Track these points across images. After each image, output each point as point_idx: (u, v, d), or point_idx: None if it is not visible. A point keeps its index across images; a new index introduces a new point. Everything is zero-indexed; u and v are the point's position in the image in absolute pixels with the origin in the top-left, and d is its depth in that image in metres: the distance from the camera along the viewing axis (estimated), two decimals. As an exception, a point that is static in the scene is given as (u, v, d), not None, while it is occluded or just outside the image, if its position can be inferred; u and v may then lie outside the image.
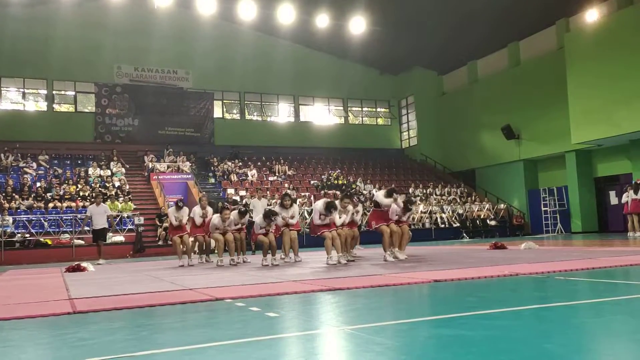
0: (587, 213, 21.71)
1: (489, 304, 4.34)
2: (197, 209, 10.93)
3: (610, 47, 18.57)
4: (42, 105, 24.99)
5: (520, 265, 6.97)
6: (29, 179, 20.21)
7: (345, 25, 24.13)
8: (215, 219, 10.13)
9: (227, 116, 28.29)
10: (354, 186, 23.49)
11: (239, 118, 28.39)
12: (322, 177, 24.63)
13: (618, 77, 18.14)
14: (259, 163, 25.62)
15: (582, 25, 21.01)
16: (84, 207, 18.78)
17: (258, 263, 9.61)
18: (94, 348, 3.10)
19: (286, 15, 23.10)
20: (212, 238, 10.37)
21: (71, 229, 17.38)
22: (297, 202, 11.32)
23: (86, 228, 14.29)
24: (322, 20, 23.70)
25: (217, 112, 27.74)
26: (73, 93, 25.39)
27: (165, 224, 18.38)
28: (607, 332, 3.10)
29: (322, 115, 30.02)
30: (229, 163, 24.45)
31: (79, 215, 17.88)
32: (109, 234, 15.92)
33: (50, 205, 18.59)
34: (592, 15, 20.75)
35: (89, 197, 19.35)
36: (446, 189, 24.73)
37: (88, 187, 20.37)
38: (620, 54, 18.13)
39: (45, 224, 17.54)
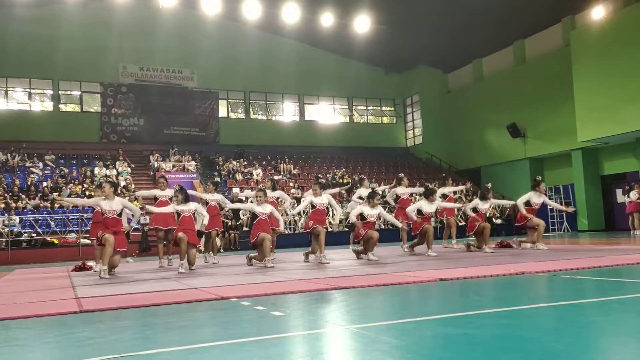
0: (594, 211, 21.61)
1: (495, 303, 4.33)
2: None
3: (617, 44, 18.47)
4: (48, 106, 25.11)
5: (527, 264, 6.95)
6: (35, 179, 20.32)
7: (350, 24, 24.11)
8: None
9: (232, 115, 28.32)
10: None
11: (243, 117, 28.42)
12: (327, 175, 24.63)
13: (624, 74, 18.04)
14: (264, 162, 25.64)
15: (588, 23, 20.91)
16: (90, 206, 18.86)
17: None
18: (100, 347, 3.11)
19: (291, 15, 23.10)
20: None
21: (77, 229, 17.46)
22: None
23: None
24: (327, 19, 23.69)
25: (222, 111, 27.78)
26: (79, 93, 25.50)
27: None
28: (613, 331, 3.09)
29: (327, 114, 30.00)
30: (234, 162, 24.48)
31: (85, 215, 17.95)
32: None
33: (57, 205, 18.67)
34: (598, 13, 20.65)
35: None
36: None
37: (94, 186, 20.43)
38: (626, 51, 18.03)
39: (52, 223, 17.63)
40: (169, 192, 10.02)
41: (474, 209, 10.47)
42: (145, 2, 24.57)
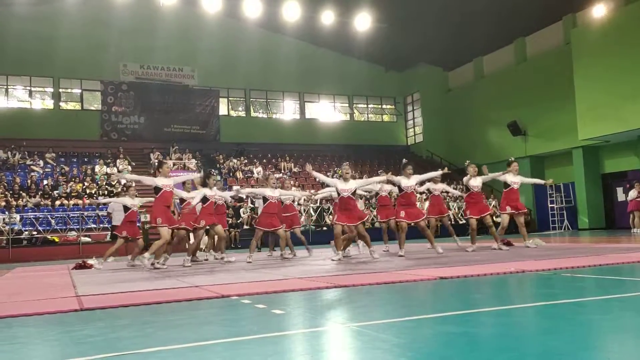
0: (594, 210, 21.61)
1: (495, 301, 4.33)
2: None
3: (618, 42, 18.45)
4: (49, 103, 25.12)
5: (527, 262, 6.94)
6: (36, 177, 20.32)
7: (350, 22, 24.09)
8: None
9: (233, 113, 28.32)
10: None
11: (244, 115, 28.42)
12: (328, 174, 24.63)
13: (625, 72, 18.03)
14: (264, 160, 25.64)
15: (589, 21, 20.88)
16: (90, 205, 18.89)
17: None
18: (100, 345, 3.11)
19: (291, 12, 23.10)
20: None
21: (78, 227, 17.48)
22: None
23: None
24: (328, 17, 23.68)
25: (223, 109, 27.78)
26: (79, 91, 25.50)
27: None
28: (614, 329, 3.09)
29: (328, 112, 30.00)
30: (235, 160, 24.49)
31: (85, 213, 17.97)
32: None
33: (57, 202, 18.69)
34: (599, 11, 20.63)
35: (95, 195, 19.45)
36: (452, 186, 24.62)
37: (95, 184, 20.47)
38: (627, 49, 18.01)
39: (52, 221, 17.65)
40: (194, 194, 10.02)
41: (466, 188, 10.35)
42: (145, 0, 24.56)
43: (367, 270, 6.93)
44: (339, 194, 8.73)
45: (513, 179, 10.19)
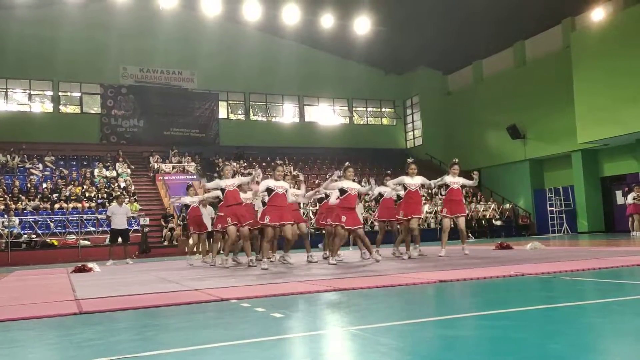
0: (594, 213, 21.60)
1: (494, 305, 4.33)
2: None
3: (617, 45, 18.49)
4: (48, 107, 25.12)
5: (526, 266, 6.94)
6: (35, 180, 20.32)
7: (350, 26, 24.13)
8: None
9: (232, 117, 28.33)
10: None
11: (244, 118, 28.43)
12: (328, 177, 24.62)
13: (624, 76, 18.05)
14: (264, 163, 25.63)
15: (588, 24, 20.93)
16: (89, 208, 18.90)
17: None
18: (100, 348, 3.11)
19: (291, 16, 23.14)
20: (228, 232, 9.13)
21: (77, 230, 17.46)
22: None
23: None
24: (327, 21, 23.73)
25: (222, 112, 27.80)
26: (79, 94, 25.50)
27: (171, 225, 18.45)
28: (613, 332, 3.09)
29: (327, 115, 30.02)
30: (234, 163, 24.48)
31: (84, 217, 17.96)
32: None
33: (57, 206, 18.68)
34: (598, 14, 20.67)
35: (94, 198, 19.47)
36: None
37: (94, 187, 20.47)
38: (627, 52, 18.04)
39: (52, 224, 17.63)
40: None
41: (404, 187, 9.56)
42: (145, 4, 24.60)
43: (367, 273, 6.93)
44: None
45: (453, 179, 9.90)
